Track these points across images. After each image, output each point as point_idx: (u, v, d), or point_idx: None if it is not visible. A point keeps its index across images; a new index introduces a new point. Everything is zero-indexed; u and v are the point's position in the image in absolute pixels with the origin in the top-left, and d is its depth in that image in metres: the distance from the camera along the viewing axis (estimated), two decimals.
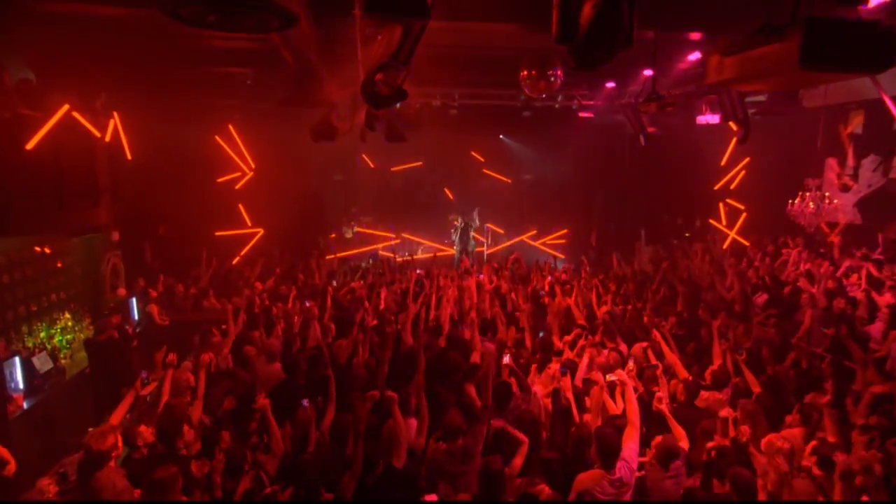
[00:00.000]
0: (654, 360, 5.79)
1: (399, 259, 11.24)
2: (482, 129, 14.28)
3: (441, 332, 6.40)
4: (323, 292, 8.09)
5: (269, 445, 3.75)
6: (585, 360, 5.59)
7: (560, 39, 2.73)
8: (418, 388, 4.34)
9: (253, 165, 12.36)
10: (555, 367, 5.58)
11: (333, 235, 14.61)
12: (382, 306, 7.31)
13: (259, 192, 12.22)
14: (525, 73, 6.95)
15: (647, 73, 8.56)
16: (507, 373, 5.08)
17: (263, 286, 9.15)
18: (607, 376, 4.82)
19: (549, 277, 9.52)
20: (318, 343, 5.79)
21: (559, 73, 6.88)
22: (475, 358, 5.17)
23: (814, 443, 4.01)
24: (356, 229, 15.16)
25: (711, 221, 14.23)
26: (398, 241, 15.39)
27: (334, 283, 9.60)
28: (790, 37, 2.45)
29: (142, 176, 9.90)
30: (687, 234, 14.37)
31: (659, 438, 3.86)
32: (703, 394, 5.19)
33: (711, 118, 8.04)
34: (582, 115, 11.31)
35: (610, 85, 10.13)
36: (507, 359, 5.23)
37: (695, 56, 7.46)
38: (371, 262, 10.71)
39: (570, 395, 4.70)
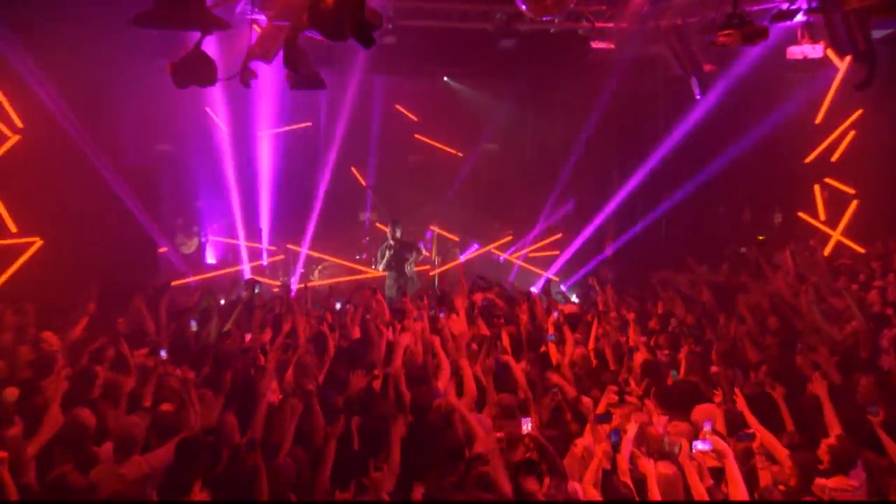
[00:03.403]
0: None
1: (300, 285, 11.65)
2: (418, 67, 14.83)
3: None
4: (179, 341, 8.47)
5: None
6: (632, 429, 6.31)
7: None
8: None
9: (19, 125, 12.39)
10: (586, 442, 6.29)
11: (164, 249, 14.79)
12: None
13: (32, 174, 12.23)
14: None
15: None
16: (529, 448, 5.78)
17: (64, 339, 9.32)
18: (695, 445, 5.56)
19: (555, 313, 10.29)
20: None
21: None
22: (482, 444, 5.80)
23: None
24: (203, 238, 15.42)
25: (801, 215, 15.51)
26: (281, 256, 15.83)
27: (193, 325, 9.94)
28: None
29: None
30: (760, 238, 15.52)
31: None
32: (819, 481, 5.98)
33: (811, 50, 8.88)
34: (596, 45, 12.02)
35: None
36: (527, 426, 5.89)
37: None
38: (257, 291, 11.07)
39: (628, 480, 5.40)
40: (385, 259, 14.59)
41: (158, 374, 7.44)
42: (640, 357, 8.65)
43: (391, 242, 14.50)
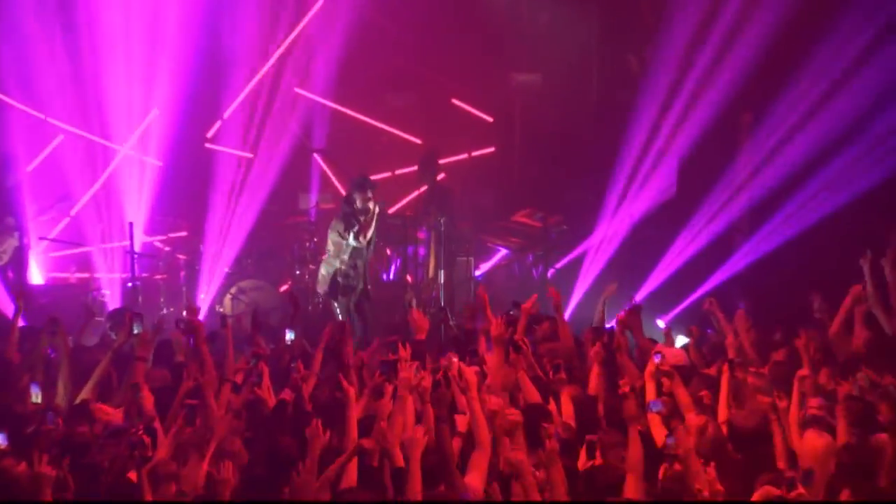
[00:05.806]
0: None
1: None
2: None
3: None
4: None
5: None
6: None
7: None
8: None
9: None
10: None
11: None
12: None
13: None
14: None
15: None
16: None
17: None
18: None
19: (656, 357, 10.16)
20: None
21: None
22: None
23: None
24: (24, 241, 15.49)
25: None
26: (163, 276, 15.85)
27: (37, 396, 9.92)
28: None
29: None
30: None
31: None
32: None
33: None
34: None
35: None
36: None
37: None
38: (137, 332, 11.04)
39: None
40: (341, 258, 14.09)
41: None
42: (814, 440, 8.62)
43: (363, 205, 13.89)
